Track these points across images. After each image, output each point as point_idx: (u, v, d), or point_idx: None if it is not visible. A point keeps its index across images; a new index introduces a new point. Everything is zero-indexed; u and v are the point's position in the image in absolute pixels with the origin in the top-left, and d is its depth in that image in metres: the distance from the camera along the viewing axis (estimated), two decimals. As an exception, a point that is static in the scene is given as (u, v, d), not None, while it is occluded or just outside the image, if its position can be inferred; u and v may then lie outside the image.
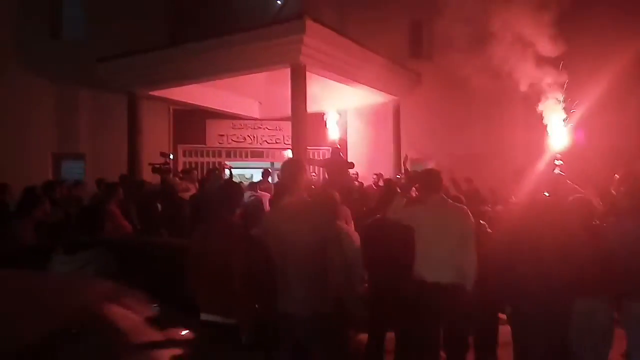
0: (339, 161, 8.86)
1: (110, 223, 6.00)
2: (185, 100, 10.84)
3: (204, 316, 3.04)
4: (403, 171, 8.31)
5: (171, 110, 12.17)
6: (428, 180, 4.00)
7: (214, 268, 2.99)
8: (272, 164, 13.19)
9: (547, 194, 4.32)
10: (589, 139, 8.42)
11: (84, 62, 9.94)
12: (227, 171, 8.57)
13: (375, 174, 10.10)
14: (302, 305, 3.06)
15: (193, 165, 12.07)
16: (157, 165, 7.45)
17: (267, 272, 3.01)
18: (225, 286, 2.91)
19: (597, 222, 3.90)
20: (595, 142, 8.85)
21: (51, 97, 11.15)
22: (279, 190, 3.53)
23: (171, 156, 8.91)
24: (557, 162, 7.19)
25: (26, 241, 4.66)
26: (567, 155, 7.38)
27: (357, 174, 9.82)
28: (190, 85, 9.75)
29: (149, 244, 4.97)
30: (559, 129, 7.42)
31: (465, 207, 3.96)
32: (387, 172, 10.46)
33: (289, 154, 10.30)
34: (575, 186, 6.26)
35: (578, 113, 7.58)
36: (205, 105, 11.32)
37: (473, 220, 3.89)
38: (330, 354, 3.14)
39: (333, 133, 10.49)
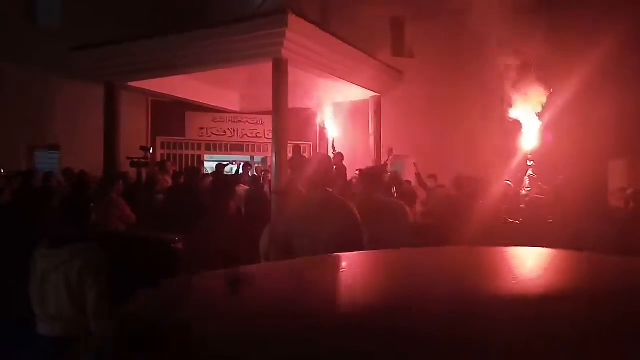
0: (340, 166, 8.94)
1: (116, 212, 5.96)
2: (164, 92, 10.66)
3: None
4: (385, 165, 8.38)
5: (150, 102, 11.98)
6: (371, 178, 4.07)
7: (219, 259, 3.09)
8: (253, 157, 13.12)
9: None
10: (558, 140, 8.59)
11: (60, 49, 9.68)
12: (233, 167, 8.68)
13: (358, 170, 10.12)
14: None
15: (171, 158, 11.94)
16: (136, 160, 7.34)
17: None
18: None
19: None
20: (563, 143, 9.03)
21: (25, 85, 10.83)
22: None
23: (150, 150, 8.80)
24: (528, 163, 7.33)
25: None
26: (538, 155, 7.53)
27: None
28: (170, 77, 9.59)
29: (143, 237, 4.92)
30: (530, 130, 7.56)
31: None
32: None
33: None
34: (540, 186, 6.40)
35: (549, 114, 7.73)
36: (185, 97, 11.15)
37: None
38: None
39: (331, 131, 10.50)
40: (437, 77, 12.31)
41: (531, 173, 7.14)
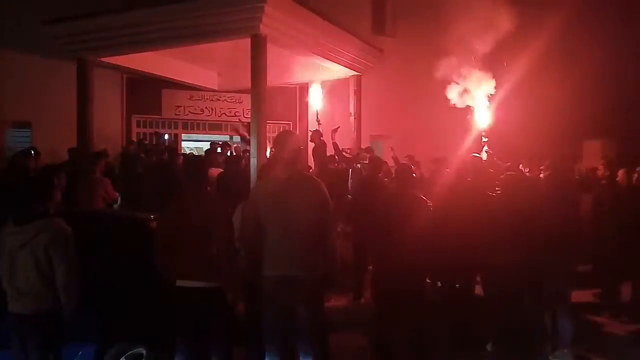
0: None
1: (101, 191, 5.88)
2: (139, 69, 10.36)
3: (181, 283, 3.37)
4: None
5: (125, 79, 11.65)
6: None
7: (193, 237, 3.32)
8: (231, 137, 12.94)
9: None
10: (512, 117, 8.77)
11: (30, 23, 9.30)
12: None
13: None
14: (303, 268, 3.34)
15: (148, 137, 11.71)
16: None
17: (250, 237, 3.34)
18: (207, 253, 3.30)
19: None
20: (517, 120, 9.19)
21: (-6, 61, 10.41)
22: (273, 162, 3.74)
23: (166, 137, 8.82)
24: (483, 140, 7.54)
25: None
26: (493, 133, 7.72)
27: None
28: (146, 53, 9.32)
29: (119, 215, 4.84)
30: (482, 108, 7.77)
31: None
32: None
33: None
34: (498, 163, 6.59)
35: (501, 93, 7.91)
36: (161, 74, 10.86)
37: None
38: (318, 313, 3.45)
39: (315, 105, 10.39)
40: (417, 57, 12.24)
41: (487, 149, 7.38)
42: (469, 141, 7.67)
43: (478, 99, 7.88)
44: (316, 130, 9.72)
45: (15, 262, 3.06)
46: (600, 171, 7.49)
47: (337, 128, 9.18)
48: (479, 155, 7.02)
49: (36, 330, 3.06)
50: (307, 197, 3.37)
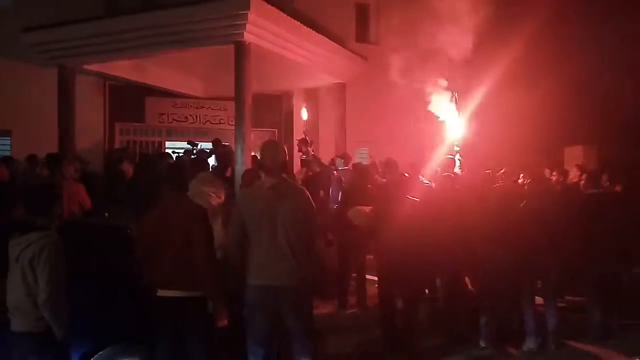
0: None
1: (76, 197, 5.77)
2: (122, 76, 10.29)
3: (162, 293, 3.32)
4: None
5: (107, 86, 11.53)
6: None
7: (174, 246, 3.26)
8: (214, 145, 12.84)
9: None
10: (484, 129, 8.93)
11: (10, 30, 9.18)
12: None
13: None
14: (289, 277, 3.33)
15: (131, 145, 11.61)
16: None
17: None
18: (188, 262, 3.24)
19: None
20: (489, 132, 9.35)
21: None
22: (256, 170, 3.84)
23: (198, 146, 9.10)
24: (456, 149, 7.72)
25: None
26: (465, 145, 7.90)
27: None
28: (128, 60, 9.26)
29: (99, 223, 4.78)
30: (457, 117, 7.98)
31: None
32: (331, 156, 10.43)
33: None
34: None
35: (479, 101, 8.09)
36: (144, 81, 10.81)
37: None
38: (307, 320, 3.47)
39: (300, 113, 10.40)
40: (399, 65, 12.34)
41: (459, 157, 7.52)
42: (444, 149, 7.83)
43: (454, 108, 8.04)
44: (303, 138, 9.69)
45: (10, 277, 2.93)
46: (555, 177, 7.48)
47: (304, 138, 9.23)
48: (452, 157, 7.43)
49: (30, 350, 2.89)
50: (292, 206, 3.39)
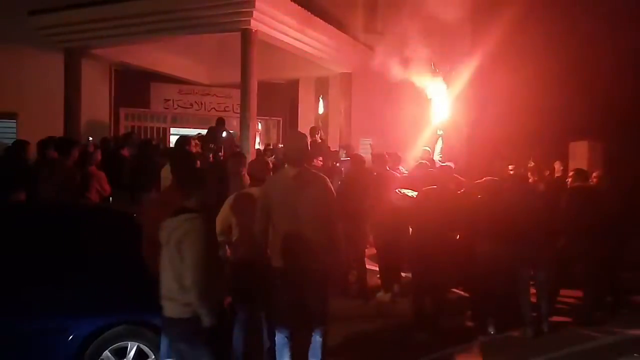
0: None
1: (96, 184, 5.81)
2: (128, 61, 10.28)
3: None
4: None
5: (113, 71, 11.53)
6: None
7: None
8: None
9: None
10: (489, 121, 8.91)
11: (16, 13, 9.17)
12: None
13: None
14: (312, 259, 3.50)
15: (135, 130, 11.62)
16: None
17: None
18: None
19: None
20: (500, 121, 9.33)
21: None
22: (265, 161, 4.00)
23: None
24: (438, 132, 7.74)
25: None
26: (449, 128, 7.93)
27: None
28: (134, 45, 9.24)
29: (106, 209, 4.79)
30: (439, 102, 8.00)
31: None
32: (336, 146, 10.44)
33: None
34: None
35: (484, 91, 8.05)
36: (149, 67, 10.79)
37: None
38: (325, 303, 3.68)
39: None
40: (405, 55, 12.26)
41: (441, 142, 7.82)
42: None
43: (442, 91, 8.03)
44: (313, 127, 9.67)
45: (162, 260, 2.85)
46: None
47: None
48: (428, 149, 7.61)
49: (179, 336, 2.85)
50: (315, 194, 3.54)
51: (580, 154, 9.22)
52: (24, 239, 3.63)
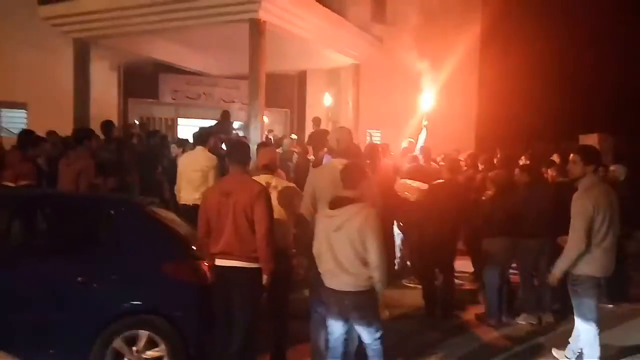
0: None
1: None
2: (136, 52, 10.29)
3: (220, 262, 3.52)
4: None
5: (121, 61, 11.56)
6: None
7: (235, 220, 3.46)
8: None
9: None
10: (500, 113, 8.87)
11: (26, 3, 9.21)
12: None
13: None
14: None
15: (144, 121, 11.67)
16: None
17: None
18: (246, 235, 3.47)
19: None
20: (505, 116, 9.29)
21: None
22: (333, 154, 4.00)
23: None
24: (424, 123, 7.80)
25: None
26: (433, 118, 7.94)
27: None
28: (143, 36, 9.25)
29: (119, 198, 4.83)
30: (426, 93, 8.04)
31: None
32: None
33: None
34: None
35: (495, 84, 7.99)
36: (158, 57, 10.81)
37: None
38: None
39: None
40: (415, 46, 12.19)
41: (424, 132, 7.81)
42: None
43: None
44: (316, 117, 9.68)
45: (326, 243, 3.36)
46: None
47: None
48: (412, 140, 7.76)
49: (354, 306, 3.34)
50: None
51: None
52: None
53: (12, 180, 5.71)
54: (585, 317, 3.90)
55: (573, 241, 3.78)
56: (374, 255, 3.24)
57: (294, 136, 10.11)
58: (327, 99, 11.86)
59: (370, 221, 3.26)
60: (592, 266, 3.81)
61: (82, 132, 6.01)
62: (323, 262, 3.39)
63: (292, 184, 4.26)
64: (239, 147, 3.88)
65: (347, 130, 4.05)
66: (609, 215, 3.77)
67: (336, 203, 3.34)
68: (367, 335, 3.41)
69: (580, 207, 3.75)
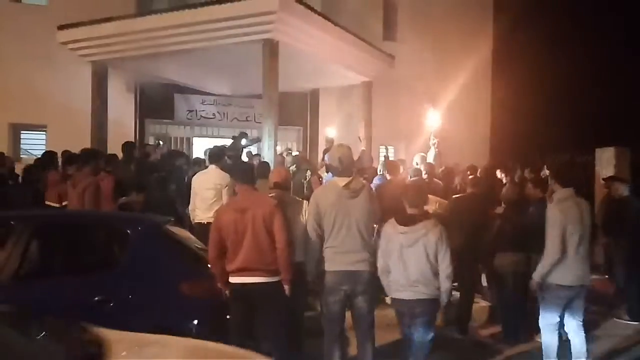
0: None
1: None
2: (152, 73, 10.49)
3: (237, 279, 3.59)
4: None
5: (137, 83, 11.78)
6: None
7: (254, 235, 3.57)
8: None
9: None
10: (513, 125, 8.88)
11: (45, 27, 9.48)
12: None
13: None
14: (364, 263, 3.80)
15: (161, 142, 11.82)
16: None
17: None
18: (265, 250, 3.58)
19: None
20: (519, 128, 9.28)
21: (9, 62, 10.59)
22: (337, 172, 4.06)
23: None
24: (432, 142, 7.82)
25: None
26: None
27: None
28: (158, 58, 9.43)
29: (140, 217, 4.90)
30: (433, 112, 8.13)
31: None
32: (356, 154, 10.43)
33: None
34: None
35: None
36: (173, 78, 10.99)
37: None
38: (372, 303, 3.95)
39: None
40: (425, 63, 12.26)
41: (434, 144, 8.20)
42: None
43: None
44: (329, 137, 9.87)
45: (401, 257, 3.66)
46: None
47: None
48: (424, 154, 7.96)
49: (426, 311, 3.67)
50: (363, 202, 3.84)
51: (606, 159, 8.97)
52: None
53: (56, 201, 5.83)
54: (547, 323, 4.21)
55: (548, 249, 4.04)
56: (445, 267, 3.59)
57: (295, 153, 10.23)
58: (340, 116, 11.95)
59: (444, 236, 3.61)
60: (560, 275, 4.05)
61: (87, 153, 6.07)
62: (394, 275, 3.70)
63: (301, 199, 4.39)
64: (239, 169, 4.04)
65: (347, 147, 4.09)
66: (579, 226, 4.06)
67: (407, 221, 3.65)
68: (422, 336, 3.70)
69: (552, 217, 4.08)
